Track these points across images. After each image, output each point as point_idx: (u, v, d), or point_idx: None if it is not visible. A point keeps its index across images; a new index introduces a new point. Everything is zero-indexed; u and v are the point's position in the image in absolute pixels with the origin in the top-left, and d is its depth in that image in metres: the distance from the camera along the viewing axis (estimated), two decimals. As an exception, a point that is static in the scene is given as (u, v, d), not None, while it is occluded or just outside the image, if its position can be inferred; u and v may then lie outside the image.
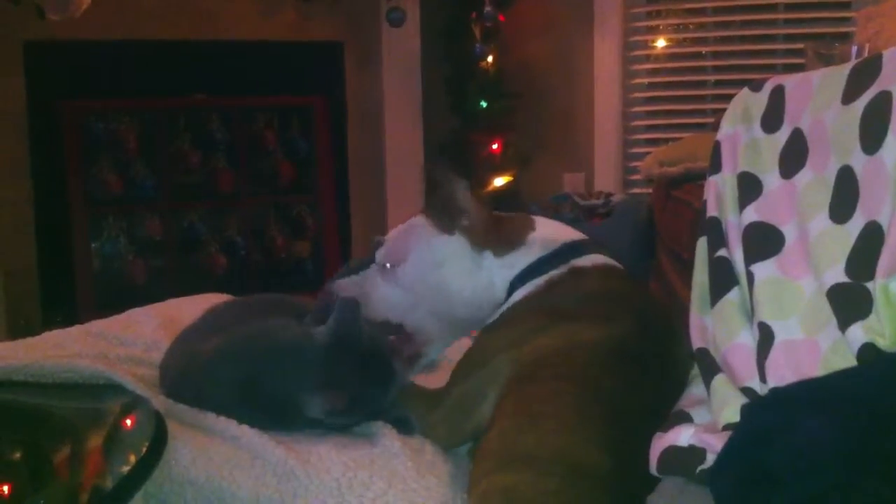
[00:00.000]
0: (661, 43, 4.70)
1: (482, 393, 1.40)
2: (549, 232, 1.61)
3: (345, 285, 1.57)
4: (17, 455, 1.48)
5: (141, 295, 2.46)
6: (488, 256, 1.56)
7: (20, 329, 3.32)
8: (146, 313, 2.03)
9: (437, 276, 1.56)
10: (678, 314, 1.53)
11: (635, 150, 4.75)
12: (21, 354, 1.71)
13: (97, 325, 1.95)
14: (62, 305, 3.92)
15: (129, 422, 1.46)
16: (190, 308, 1.85)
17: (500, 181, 4.61)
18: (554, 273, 1.53)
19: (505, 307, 1.54)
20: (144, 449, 1.32)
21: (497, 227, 1.59)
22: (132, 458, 1.32)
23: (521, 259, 1.56)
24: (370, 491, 1.27)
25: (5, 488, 1.36)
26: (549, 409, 1.28)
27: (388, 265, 1.58)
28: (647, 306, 1.50)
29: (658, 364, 1.41)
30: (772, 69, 4.30)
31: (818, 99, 1.31)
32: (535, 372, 1.35)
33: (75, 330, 1.92)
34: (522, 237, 1.59)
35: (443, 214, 1.57)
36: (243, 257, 4.42)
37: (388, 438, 1.41)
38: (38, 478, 1.39)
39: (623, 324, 1.40)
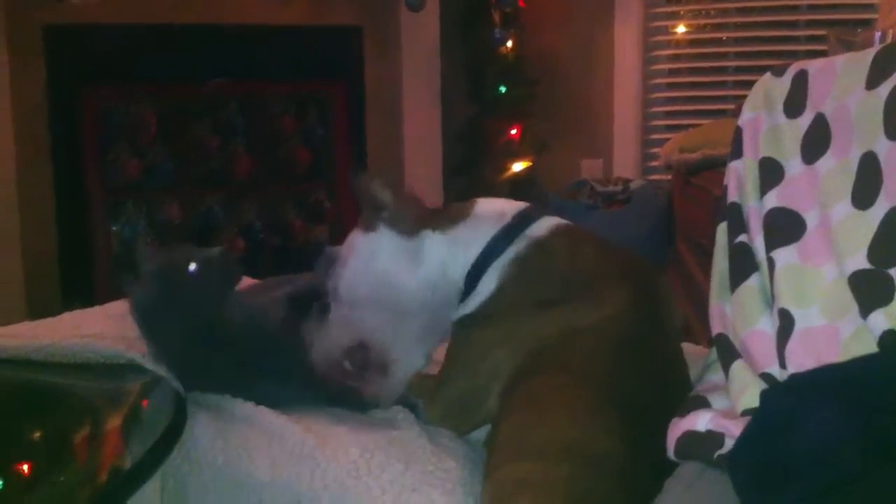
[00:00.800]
0: (681, 29, 4.67)
1: (485, 389, 1.39)
2: (492, 205, 1.52)
3: (307, 329, 1.49)
4: (37, 435, 1.49)
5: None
6: (428, 235, 1.47)
7: (40, 312, 3.34)
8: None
9: (376, 276, 1.47)
10: (657, 271, 1.50)
11: (654, 136, 4.73)
12: (41, 334, 1.72)
13: (116, 307, 1.95)
14: (81, 289, 3.94)
15: (148, 402, 1.47)
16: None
17: (517, 167, 4.60)
18: (518, 250, 1.45)
19: (479, 299, 1.45)
20: (163, 430, 1.33)
21: (433, 210, 1.51)
22: (151, 439, 1.33)
23: (472, 235, 1.47)
24: (387, 473, 1.27)
25: (25, 467, 1.37)
26: (557, 402, 1.28)
27: (333, 292, 1.50)
28: (627, 268, 1.46)
29: (655, 337, 1.40)
30: (793, 56, 4.27)
31: (841, 84, 1.30)
32: (538, 364, 1.35)
33: (95, 311, 1.93)
34: (465, 211, 1.51)
35: (365, 215, 1.49)
36: (260, 242, 4.42)
37: (406, 421, 1.41)
38: (57, 458, 1.40)
39: (613, 300, 1.38)
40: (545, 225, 1.49)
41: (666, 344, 1.43)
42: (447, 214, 1.51)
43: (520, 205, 1.54)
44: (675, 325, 1.46)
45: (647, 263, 1.50)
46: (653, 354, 1.38)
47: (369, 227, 1.48)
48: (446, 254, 1.47)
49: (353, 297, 1.47)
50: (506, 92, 4.57)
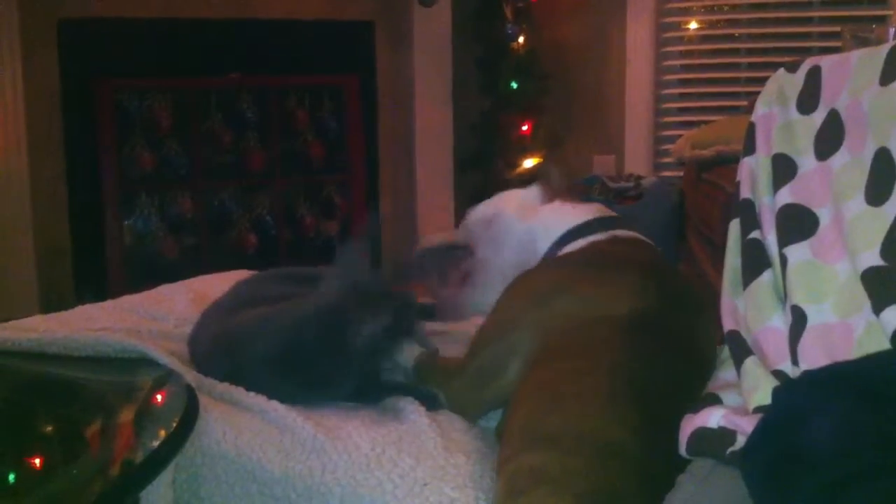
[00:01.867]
0: (694, 25, 4.65)
1: (503, 364, 1.43)
2: (592, 206, 1.77)
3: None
4: (50, 428, 1.50)
5: (172, 272, 2.48)
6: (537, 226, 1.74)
7: (53, 304, 3.36)
8: (177, 289, 2.05)
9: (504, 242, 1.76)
10: (709, 293, 1.53)
11: (667, 132, 4.72)
12: (54, 328, 1.74)
13: (129, 301, 1.97)
14: (94, 282, 3.95)
15: (160, 396, 1.48)
16: (220, 284, 1.86)
17: (529, 163, 4.60)
18: (596, 238, 1.63)
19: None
20: (175, 423, 1.33)
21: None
22: (163, 433, 1.33)
23: (564, 222, 1.70)
24: (398, 467, 1.28)
25: (37, 461, 1.38)
26: (573, 389, 1.28)
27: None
28: (677, 280, 1.53)
29: (683, 340, 1.41)
30: (807, 52, 4.25)
31: (856, 80, 1.30)
32: (559, 345, 1.37)
33: (108, 305, 1.94)
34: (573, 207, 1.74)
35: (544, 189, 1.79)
36: (273, 236, 4.43)
37: (416, 415, 1.42)
38: (70, 451, 1.41)
39: (649, 296, 1.41)
40: (630, 233, 1.68)
41: (697, 343, 1.44)
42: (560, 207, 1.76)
43: (603, 212, 1.76)
44: (710, 331, 1.47)
45: (690, 280, 1.64)
46: (677, 349, 1.39)
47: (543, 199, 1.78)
48: (540, 236, 1.72)
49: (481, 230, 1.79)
50: (518, 87, 4.57)
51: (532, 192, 1.81)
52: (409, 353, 1.59)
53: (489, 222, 1.79)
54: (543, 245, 1.70)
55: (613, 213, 1.77)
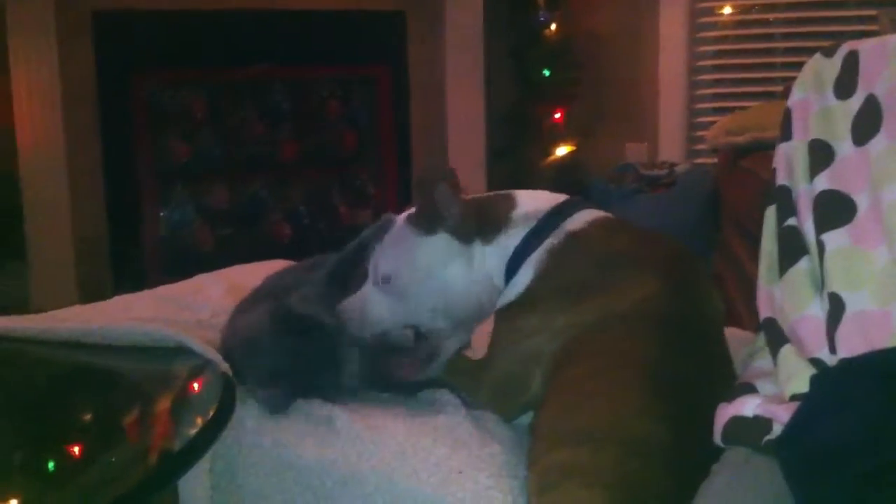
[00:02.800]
0: (728, 10, 4.61)
1: (527, 373, 1.39)
2: (531, 204, 1.55)
3: (346, 307, 1.51)
4: (88, 416, 1.52)
5: (207, 262, 2.50)
6: (477, 245, 1.51)
7: (91, 294, 3.40)
8: (213, 279, 2.06)
9: (431, 277, 1.49)
10: (698, 258, 1.50)
11: (701, 119, 4.68)
12: (92, 318, 1.75)
13: (166, 290, 1.98)
14: (131, 272, 3.99)
15: (197, 385, 1.49)
16: (256, 274, 1.87)
17: (562, 151, 4.58)
18: (552, 243, 1.47)
19: (515, 291, 1.47)
20: (212, 412, 1.34)
21: (478, 215, 1.52)
22: (200, 421, 1.34)
23: (511, 240, 1.50)
24: (433, 456, 1.28)
25: (76, 449, 1.40)
26: (598, 387, 1.28)
27: (381, 280, 1.51)
28: (663, 253, 1.46)
29: (693, 319, 1.39)
30: (843, 36, 4.18)
31: (894, 64, 1.28)
32: (578, 350, 1.35)
33: (144, 294, 1.96)
34: (506, 216, 1.52)
35: (425, 218, 1.50)
36: (306, 226, 4.45)
37: (452, 406, 1.42)
38: (108, 439, 1.43)
39: (648, 284, 1.38)
40: (581, 217, 1.50)
41: (705, 326, 1.42)
42: (490, 221, 1.52)
43: (556, 199, 1.56)
44: (716, 308, 1.45)
45: (684, 249, 1.49)
46: (691, 336, 1.38)
47: (427, 230, 1.49)
48: (489, 261, 1.50)
49: (407, 292, 1.49)
50: (550, 75, 4.55)
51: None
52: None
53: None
54: (497, 270, 1.51)
55: (575, 198, 1.59)
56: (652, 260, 1.44)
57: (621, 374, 1.28)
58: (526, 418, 1.43)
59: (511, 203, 1.54)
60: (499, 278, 1.50)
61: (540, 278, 1.45)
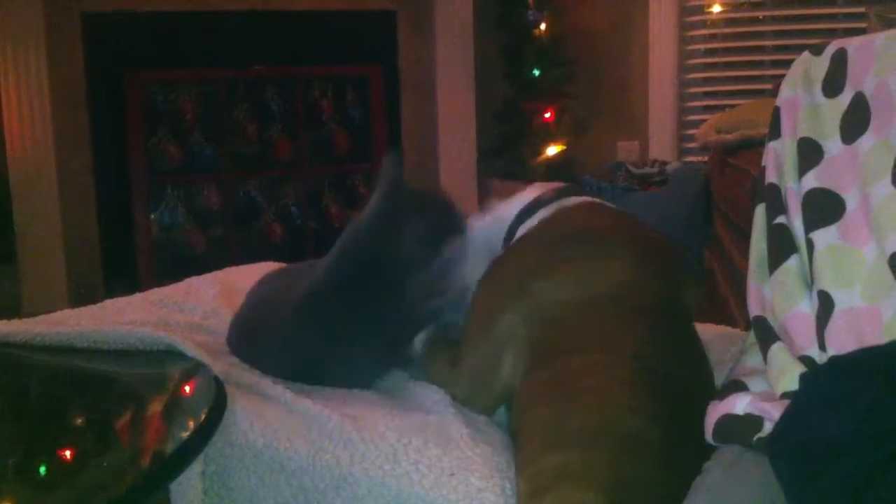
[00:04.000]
0: (717, 8, 4.62)
1: (498, 356, 1.41)
2: (537, 186, 1.69)
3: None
4: (80, 420, 1.52)
5: (199, 264, 2.50)
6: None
7: (82, 297, 3.39)
8: (205, 281, 2.06)
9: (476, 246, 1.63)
10: (677, 246, 1.54)
11: (691, 117, 4.69)
12: (84, 321, 1.75)
13: (157, 293, 1.98)
14: (123, 274, 3.99)
15: (189, 388, 1.49)
16: (248, 276, 1.87)
17: (553, 150, 4.59)
18: (542, 216, 1.58)
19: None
20: (204, 414, 1.35)
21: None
22: (192, 424, 1.35)
23: (508, 209, 1.65)
24: (425, 457, 1.28)
25: (68, 453, 1.40)
26: (589, 384, 1.27)
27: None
28: (644, 239, 1.50)
29: (674, 309, 1.41)
30: (832, 34, 4.21)
31: (882, 62, 1.28)
32: (558, 339, 1.35)
33: (136, 298, 1.95)
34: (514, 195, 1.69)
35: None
36: (299, 227, 4.45)
37: (442, 405, 1.42)
38: (101, 442, 1.43)
39: (627, 265, 1.40)
40: (573, 199, 1.60)
41: (686, 317, 1.43)
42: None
43: (557, 184, 1.68)
44: (689, 301, 1.47)
45: (667, 239, 1.53)
46: (676, 327, 1.38)
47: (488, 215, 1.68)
48: (493, 228, 1.65)
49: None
50: (540, 74, 4.55)
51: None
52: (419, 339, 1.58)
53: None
54: (503, 222, 1.65)
55: (575, 185, 1.73)
56: (630, 244, 1.47)
57: (611, 372, 1.27)
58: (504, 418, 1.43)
59: (527, 188, 1.70)
60: (498, 245, 1.63)
61: (523, 237, 1.57)
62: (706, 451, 1.20)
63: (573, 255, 1.45)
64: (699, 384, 1.34)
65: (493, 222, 1.66)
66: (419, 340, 1.58)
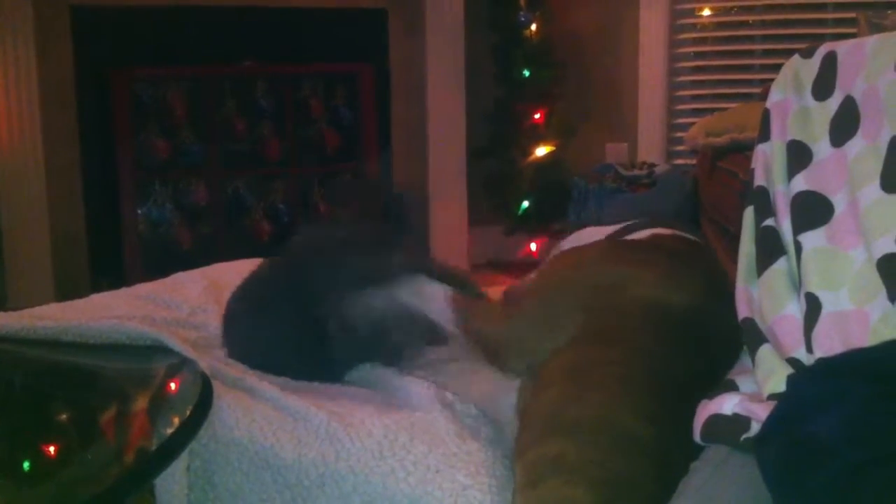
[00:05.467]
0: (707, 11, 4.63)
1: (552, 327, 1.43)
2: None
3: None
4: (65, 415, 1.51)
5: (187, 260, 2.49)
6: None
7: (68, 293, 3.38)
8: (192, 277, 2.05)
9: None
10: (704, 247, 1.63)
11: (680, 119, 4.70)
12: (69, 316, 1.74)
13: (144, 289, 1.97)
14: (110, 270, 3.97)
15: (174, 384, 1.48)
16: (234, 273, 1.86)
17: (542, 151, 4.59)
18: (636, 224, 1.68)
19: None
20: (189, 410, 1.34)
21: None
22: (177, 420, 1.34)
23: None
24: (411, 454, 1.28)
25: (52, 448, 1.39)
26: (595, 378, 1.28)
27: None
28: (714, 271, 1.54)
29: (715, 336, 1.41)
30: (822, 38, 4.21)
31: (872, 66, 1.29)
32: (594, 327, 1.38)
33: (122, 293, 1.95)
34: None
35: None
36: (287, 224, 4.44)
37: (428, 401, 1.42)
38: (85, 438, 1.42)
39: (687, 290, 1.42)
40: (661, 228, 1.70)
41: (728, 340, 1.43)
42: None
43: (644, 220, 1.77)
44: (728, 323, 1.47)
45: (693, 241, 1.62)
46: (709, 347, 1.39)
47: None
48: None
49: None
50: (530, 75, 4.55)
51: None
52: (432, 293, 1.59)
53: None
54: None
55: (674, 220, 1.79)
56: (698, 263, 1.54)
57: (621, 370, 1.29)
58: (509, 407, 1.43)
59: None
60: None
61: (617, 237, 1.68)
62: (696, 452, 1.20)
63: (641, 261, 1.49)
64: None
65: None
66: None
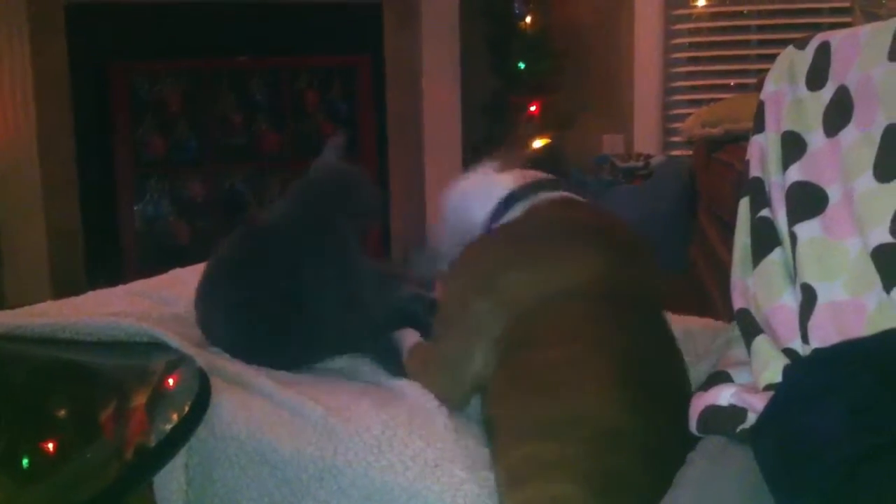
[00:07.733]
0: (702, 2, 4.63)
1: (469, 350, 1.39)
2: (514, 175, 1.69)
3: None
4: (64, 412, 1.51)
5: (184, 256, 2.48)
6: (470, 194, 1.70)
7: (65, 289, 3.37)
8: (189, 273, 2.05)
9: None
10: (644, 240, 1.54)
11: (676, 111, 4.70)
12: (67, 313, 1.74)
13: (141, 285, 1.97)
14: (106, 266, 3.97)
15: (172, 380, 1.49)
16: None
17: (539, 143, 4.59)
18: (515, 214, 1.58)
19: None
20: (188, 406, 1.34)
21: None
22: (175, 416, 1.34)
23: (497, 189, 1.65)
24: (409, 449, 1.28)
25: (51, 445, 1.39)
26: (565, 376, 1.27)
27: None
28: (622, 236, 1.50)
29: (645, 300, 1.41)
30: (817, 28, 4.21)
31: (866, 55, 1.29)
32: (531, 332, 1.35)
33: (119, 289, 1.94)
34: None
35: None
36: (283, 219, 4.43)
37: (427, 397, 1.42)
38: (84, 434, 1.42)
39: (604, 261, 1.40)
40: (548, 195, 1.59)
41: (652, 308, 1.44)
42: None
43: (535, 174, 1.69)
44: (659, 292, 1.47)
45: (636, 232, 1.53)
46: (644, 316, 1.39)
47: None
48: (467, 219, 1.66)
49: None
50: (526, 67, 4.55)
51: (486, 166, 1.74)
52: (407, 339, 1.58)
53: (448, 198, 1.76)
54: (479, 214, 1.64)
55: (552, 177, 1.70)
56: (605, 234, 1.47)
57: (587, 364, 1.27)
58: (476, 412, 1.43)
59: (508, 170, 1.71)
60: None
61: (493, 230, 1.58)
62: (690, 442, 1.21)
63: (542, 248, 1.44)
64: (674, 373, 1.35)
65: (466, 211, 1.66)
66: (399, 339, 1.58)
